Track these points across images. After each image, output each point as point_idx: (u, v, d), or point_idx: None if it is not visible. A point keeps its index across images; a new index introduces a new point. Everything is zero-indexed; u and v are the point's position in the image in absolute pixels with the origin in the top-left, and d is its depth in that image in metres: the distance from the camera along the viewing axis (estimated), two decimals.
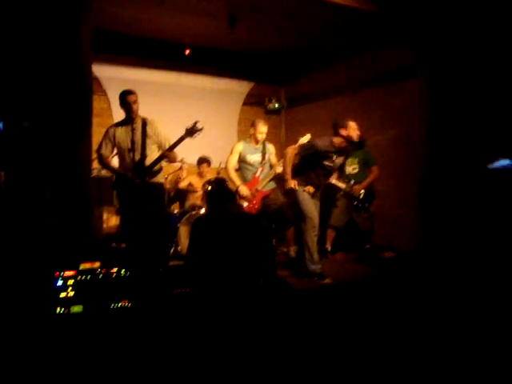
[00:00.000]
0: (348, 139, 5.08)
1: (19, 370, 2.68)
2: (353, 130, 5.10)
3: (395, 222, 6.94)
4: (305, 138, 5.62)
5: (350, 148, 5.34)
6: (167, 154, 4.71)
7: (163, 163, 4.93)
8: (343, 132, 5.08)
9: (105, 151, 4.83)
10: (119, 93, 4.85)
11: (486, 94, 5.76)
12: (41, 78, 3.78)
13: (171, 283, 3.36)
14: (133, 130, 4.74)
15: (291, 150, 5.22)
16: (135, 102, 4.74)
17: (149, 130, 4.78)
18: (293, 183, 5.03)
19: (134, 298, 3.24)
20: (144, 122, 4.78)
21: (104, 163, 4.92)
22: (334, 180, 6.06)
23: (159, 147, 4.85)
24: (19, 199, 3.76)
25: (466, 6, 5.70)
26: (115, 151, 4.95)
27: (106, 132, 4.85)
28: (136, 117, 4.78)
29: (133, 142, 4.72)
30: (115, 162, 5.17)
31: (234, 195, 3.75)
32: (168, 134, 4.89)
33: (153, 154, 4.78)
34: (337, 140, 5.11)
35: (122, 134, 4.78)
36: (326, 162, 5.14)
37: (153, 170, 4.76)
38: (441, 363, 2.68)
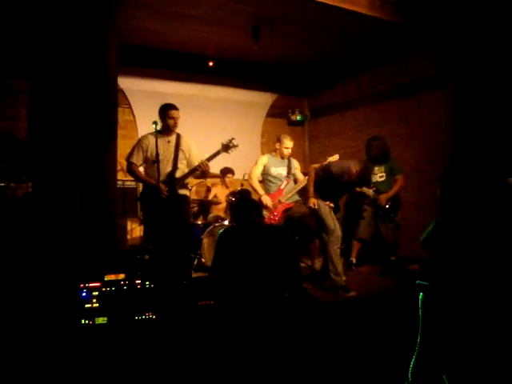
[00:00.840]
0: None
1: (45, 381, 2.69)
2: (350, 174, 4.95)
3: (420, 233, 6.83)
4: (333, 158, 5.54)
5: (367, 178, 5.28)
6: (202, 167, 4.78)
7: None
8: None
9: (135, 159, 4.88)
10: (161, 104, 4.94)
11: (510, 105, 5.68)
12: (68, 90, 3.84)
13: (196, 295, 3.34)
14: (168, 142, 4.86)
15: (313, 169, 5.24)
16: (178, 117, 4.87)
17: (183, 144, 4.91)
18: (312, 202, 5.05)
19: (159, 309, 3.23)
20: (178, 137, 4.91)
21: (133, 171, 4.94)
22: (361, 188, 5.96)
23: (188, 163, 4.95)
24: (46, 210, 3.80)
25: (491, 17, 5.64)
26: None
27: (139, 141, 4.92)
28: (174, 131, 4.91)
29: (166, 154, 4.82)
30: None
31: (259, 207, 3.73)
32: (199, 153, 5.00)
33: (182, 168, 4.90)
34: (357, 169, 4.96)
35: (159, 142, 4.73)
36: (339, 189, 5.16)
37: (183, 182, 4.88)
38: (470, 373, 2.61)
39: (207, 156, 4.90)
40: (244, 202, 3.72)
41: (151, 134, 4.86)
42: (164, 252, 4.56)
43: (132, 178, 6.93)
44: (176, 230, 4.78)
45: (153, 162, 4.73)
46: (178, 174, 4.88)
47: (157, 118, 5.04)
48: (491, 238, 2.30)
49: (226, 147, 4.99)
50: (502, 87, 5.70)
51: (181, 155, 4.91)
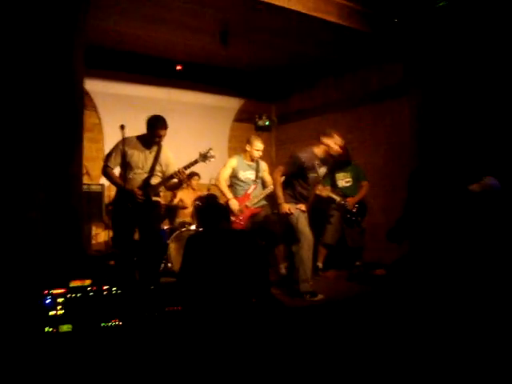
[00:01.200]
0: (328, 150, 5.08)
1: None
2: (334, 143, 5.08)
3: (385, 238, 6.92)
4: None
5: (331, 160, 5.32)
6: (178, 175, 4.79)
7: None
8: (325, 141, 5.07)
9: (112, 163, 4.82)
10: (150, 116, 4.90)
11: (474, 112, 5.83)
12: (33, 91, 3.75)
13: (163, 301, 3.30)
14: (149, 153, 4.89)
15: (277, 173, 5.14)
16: (163, 136, 4.88)
17: (162, 158, 4.94)
18: (287, 208, 4.98)
19: (126, 316, 3.17)
20: (159, 149, 4.94)
21: (108, 174, 4.88)
22: (327, 192, 5.99)
23: (163, 175, 4.97)
24: (7, 215, 3.70)
25: (456, 27, 5.78)
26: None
27: (117, 145, 4.82)
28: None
29: (144, 164, 4.85)
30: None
31: (227, 212, 3.71)
32: (175, 164, 5.01)
33: (157, 178, 4.93)
34: (318, 150, 5.09)
35: (136, 151, 4.83)
36: (311, 174, 5.11)
37: (158, 189, 4.92)
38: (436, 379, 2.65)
39: (183, 164, 4.88)
40: (211, 207, 3.69)
41: (131, 139, 4.83)
42: (131, 257, 4.53)
43: (97, 182, 6.88)
44: (147, 235, 4.81)
45: (129, 168, 4.77)
46: (153, 182, 4.88)
47: (123, 121, 4.95)
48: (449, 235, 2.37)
49: (204, 157, 5.00)
50: (465, 94, 5.84)
51: (157, 167, 4.93)
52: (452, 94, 6.00)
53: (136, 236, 4.94)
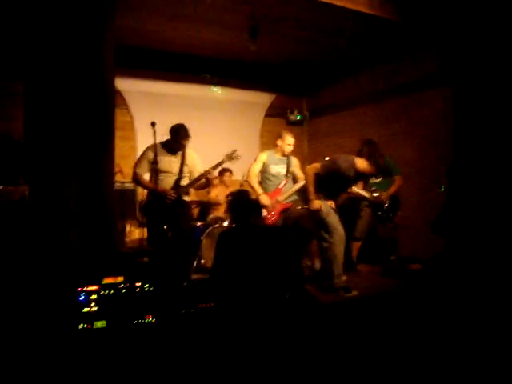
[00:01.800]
0: (368, 169, 4.99)
1: None
2: (368, 165, 4.99)
3: (421, 233, 6.81)
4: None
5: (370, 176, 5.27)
6: (207, 174, 5.09)
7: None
8: (366, 159, 5.00)
9: (141, 169, 5.08)
10: (174, 125, 5.10)
11: (510, 102, 5.65)
12: (64, 91, 3.79)
13: (196, 298, 3.29)
14: (175, 158, 5.13)
15: (311, 170, 5.09)
16: (187, 144, 5.11)
17: (188, 159, 5.17)
18: (318, 204, 4.95)
19: (158, 313, 3.18)
20: (184, 152, 5.16)
21: (138, 180, 5.15)
22: (357, 189, 5.91)
23: (190, 175, 5.22)
24: (43, 213, 3.75)
25: (491, 15, 5.61)
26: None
27: (144, 152, 5.10)
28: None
29: (171, 169, 5.10)
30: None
31: (259, 207, 3.68)
32: (200, 164, 5.28)
33: (186, 179, 5.18)
34: (360, 163, 4.99)
35: (162, 157, 5.05)
36: (345, 180, 5.08)
37: (188, 189, 5.15)
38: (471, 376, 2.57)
39: (210, 164, 5.15)
40: (242, 202, 3.67)
41: (156, 145, 5.00)
42: (165, 254, 4.64)
43: (130, 180, 6.95)
44: (178, 233, 5.00)
45: (158, 173, 5.00)
46: (184, 183, 5.13)
47: (155, 118, 5.00)
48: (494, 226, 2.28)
49: (230, 157, 5.28)
50: (501, 83, 5.67)
51: (185, 169, 5.17)
52: (487, 85, 5.83)
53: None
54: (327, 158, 5.37)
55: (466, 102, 6.06)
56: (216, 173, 6.19)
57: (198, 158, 5.32)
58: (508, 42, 5.57)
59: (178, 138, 5.04)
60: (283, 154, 5.73)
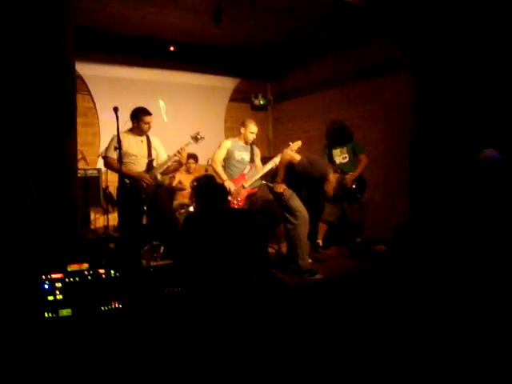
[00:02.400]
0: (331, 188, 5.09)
1: (7, 377, 2.61)
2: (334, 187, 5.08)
3: (385, 214, 6.93)
4: (296, 144, 5.54)
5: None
6: (181, 152, 5.19)
7: None
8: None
9: (111, 153, 5.11)
10: (134, 108, 5.27)
11: (473, 85, 5.78)
12: (23, 75, 3.69)
13: (162, 282, 3.29)
14: (141, 142, 5.27)
15: (289, 157, 5.11)
16: (151, 121, 5.26)
17: (154, 143, 5.35)
18: (282, 188, 5.00)
19: (125, 298, 3.17)
20: (148, 136, 5.34)
21: (111, 165, 5.19)
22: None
23: (157, 158, 5.38)
24: (3, 202, 3.67)
25: (454, 2, 5.71)
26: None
27: (113, 138, 5.11)
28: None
29: (140, 152, 5.23)
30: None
31: (224, 190, 3.68)
32: (164, 151, 5.46)
33: (155, 161, 5.33)
34: (331, 179, 5.03)
35: (130, 142, 5.20)
36: (310, 186, 5.20)
37: (161, 170, 5.31)
38: (434, 359, 2.64)
39: (175, 150, 5.24)
40: (208, 186, 3.67)
41: (123, 132, 5.12)
42: (137, 241, 4.70)
43: (94, 167, 6.86)
44: (161, 217, 5.29)
45: (127, 158, 5.13)
46: (156, 164, 5.31)
47: (117, 104, 4.93)
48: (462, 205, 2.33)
49: (195, 139, 5.39)
50: (464, 65, 5.78)
51: (153, 152, 5.31)
52: (451, 66, 5.94)
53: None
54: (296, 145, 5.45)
55: (428, 84, 6.16)
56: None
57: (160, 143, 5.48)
58: (470, 22, 5.68)
59: (140, 119, 5.17)
60: (246, 142, 5.75)
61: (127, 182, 5.13)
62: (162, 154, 5.41)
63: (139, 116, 5.20)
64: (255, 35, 7.49)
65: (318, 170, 4.99)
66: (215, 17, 6.19)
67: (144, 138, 5.30)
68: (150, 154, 5.28)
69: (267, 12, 6.46)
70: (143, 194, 5.10)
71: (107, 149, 5.20)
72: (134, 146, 5.21)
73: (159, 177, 5.39)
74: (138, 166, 5.21)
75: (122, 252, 3.80)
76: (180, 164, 5.43)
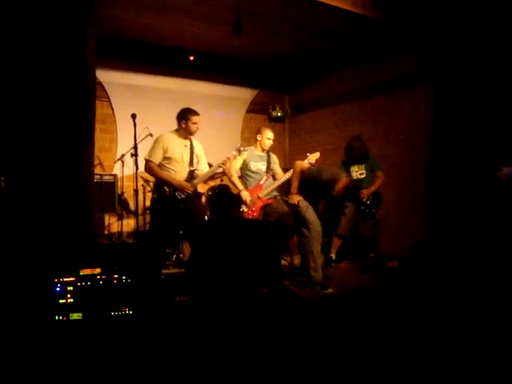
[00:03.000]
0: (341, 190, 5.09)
1: (17, 379, 2.61)
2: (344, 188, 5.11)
3: (400, 230, 6.88)
4: (313, 156, 5.53)
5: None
6: (225, 164, 5.15)
7: None
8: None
9: (156, 158, 5.03)
10: (182, 108, 5.20)
11: (492, 102, 5.73)
12: (44, 80, 3.74)
13: (174, 290, 3.29)
14: (185, 146, 5.17)
15: (300, 166, 5.14)
16: (198, 123, 5.15)
17: (196, 149, 5.28)
18: (297, 199, 5.01)
19: (136, 305, 3.17)
20: (191, 141, 5.26)
21: (153, 169, 5.07)
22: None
23: (197, 164, 5.31)
24: (19, 204, 3.71)
25: (474, 16, 5.68)
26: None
27: (158, 140, 5.07)
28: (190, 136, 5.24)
29: (183, 156, 5.14)
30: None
31: (238, 200, 3.69)
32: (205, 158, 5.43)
33: (197, 169, 5.26)
34: (342, 183, 5.07)
35: (176, 145, 5.11)
36: (320, 195, 5.19)
37: (203, 180, 5.31)
38: (446, 376, 2.60)
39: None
40: (221, 196, 3.66)
41: (169, 133, 5.12)
42: (162, 249, 4.70)
43: (110, 172, 6.90)
44: (195, 225, 5.04)
45: (171, 162, 5.05)
46: (197, 174, 5.21)
47: (136, 111, 4.98)
48: (482, 225, 2.29)
49: (239, 151, 5.36)
50: (482, 84, 5.75)
51: (195, 159, 5.23)
52: (468, 84, 5.90)
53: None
54: (311, 159, 5.43)
55: (447, 100, 6.12)
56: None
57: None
58: (488, 42, 5.65)
59: (188, 119, 5.08)
60: (263, 150, 5.72)
61: (167, 189, 5.05)
62: (203, 161, 5.34)
63: (187, 116, 5.11)
64: (274, 47, 7.51)
65: (326, 174, 4.99)
66: (235, 28, 6.22)
67: (188, 143, 5.22)
68: (191, 162, 5.19)
69: (287, 25, 6.48)
70: (181, 204, 5.04)
71: (150, 152, 5.09)
72: (178, 150, 5.11)
73: (199, 187, 5.30)
74: (179, 174, 5.13)
75: (137, 259, 3.81)
76: (223, 174, 5.44)
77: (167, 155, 5.03)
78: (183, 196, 5.03)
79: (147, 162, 5.07)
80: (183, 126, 5.12)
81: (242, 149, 5.35)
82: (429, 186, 2.45)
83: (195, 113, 5.14)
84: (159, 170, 5.05)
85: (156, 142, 5.07)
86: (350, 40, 7.08)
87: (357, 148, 6.25)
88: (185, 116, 5.11)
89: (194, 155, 5.22)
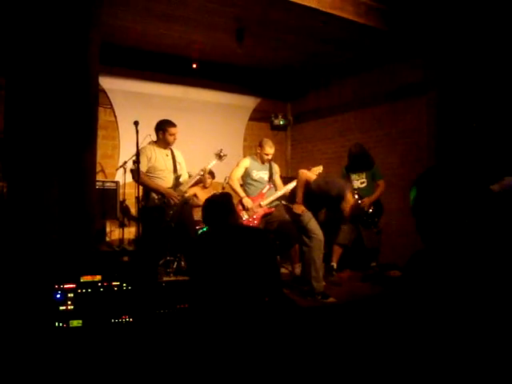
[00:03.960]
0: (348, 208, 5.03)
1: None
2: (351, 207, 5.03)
3: (401, 240, 6.86)
4: (317, 169, 5.50)
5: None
6: (204, 173, 5.36)
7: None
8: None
9: (143, 167, 5.12)
10: (159, 120, 5.33)
11: (494, 112, 5.74)
12: (47, 86, 3.75)
13: (174, 298, 3.28)
14: (166, 155, 5.32)
15: (305, 176, 5.12)
16: (176, 133, 5.29)
17: (177, 157, 5.40)
18: (301, 209, 5.00)
19: (136, 312, 3.16)
20: (172, 150, 5.39)
21: (144, 180, 5.14)
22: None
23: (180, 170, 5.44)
24: (21, 210, 3.71)
25: (476, 25, 5.70)
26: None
27: (142, 151, 5.14)
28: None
29: (167, 166, 5.27)
30: None
31: (233, 206, 3.59)
32: (183, 154, 5.57)
33: (182, 178, 5.38)
34: (348, 199, 4.96)
35: (158, 155, 5.25)
36: (327, 206, 5.20)
37: (187, 187, 5.37)
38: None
39: (193, 166, 5.52)
40: (214, 203, 3.53)
41: (150, 144, 5.29)
42: (152, 255, 4.72)
43: (112, 179, 6.90)
44: (186, 231, 5.28)
45: (155, 171, 5.20)
46: (182, 181, 5.34)
47: (139, 119, 4.98)
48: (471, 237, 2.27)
49: (219, 156, 5.45)
50: (484, 94, 5.76)
51: (178, 167, 5.38)
52: (471, 94, 5.91)
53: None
54: (315, 171, 5.39)
55: (449, 109, 6.13)
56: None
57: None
58: (491, 52, 5.66)
59: (166, 130, 5.20)
60: (263, 162, 5.75)
61: (156, 197, 5.16)
62: (184, 168, 5.47)
63: (164, 127, 5.24)
64: (277, 56, 7.55)
65: (334, 188, 4.94)
66: (238, 36, 6.25)
67: (169, 152, 5.35)
68: (175, 169, 5.32)
69: (289, 34, 6.51)
70: (170, 211, 5.14)
71: (139, 162, 5.09)
72: (160, 159, 5.25)
73: (186, 194, 5.41)
74: (166, 181, 5.26)
75: (136, 266, 3.81)
76: (200, 181, 5.61)
77: (150, 164, 5.18)
78: (172, 203, 5.15)
79: (133, 171, 5.19)
80: (160, 136, 5.28)
81: (222, 154, 5.43)
82: (420, 194, 2.42)
83: (172, 124, 5.27)
84: (146, 178, 5.18)
85: (140, 152, 5.13)
86: (352, 49, 7.11)
87: (359, 156, 6.24)
88: (162, 127, 5.25)
89: (177, 162, 5.36)
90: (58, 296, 3.05)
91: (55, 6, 3.74)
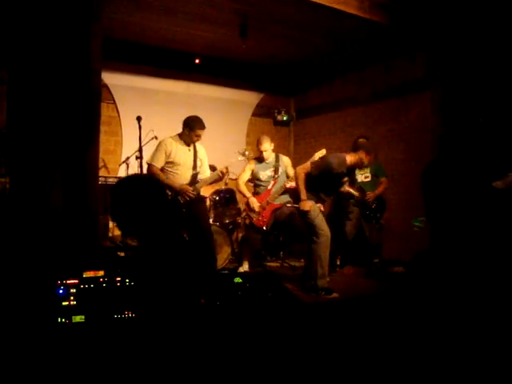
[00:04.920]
0: (359, 162, 5.01)
1: (19, 380, 2.60)
2: (366, 158, 5.01)
3: (405, 236, 6.84)
4: (320, 153, 5.51)
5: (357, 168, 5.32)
6: (224, 174, 5.22)
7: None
8: (361, 155, 4.99)
9: (158, 162, 5.05)
10: (190, 117, 5.17)
11: (500, 107, 5.71)
12: (49, 81, 3.74)
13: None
14: (188, 150, 5.20)
15: (303, 169, 5.09)
16: (201, 136, 5.17)
17: (200, 153, 5.29)
18: (308, 206, 4.96)
19: (139, 308, 3.15)
20: (195, 145, 5.27)
21: (155, 173, 5.05)
22: (347, 187, 5.89)
23: (201, 170, 5.34)
24: (24, 205, 3.71)
25: (480, 20, 5.66)
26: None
27: (160, 143, 5.10)
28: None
29: (186, 161, 5.16)
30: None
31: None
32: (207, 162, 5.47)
33: (200, 174, 5.29)
34: (351, 158, 5.00)
35: (179, 150, 5.12)
36: (336, 180, 5.11)
37: (205, 185, 5.30)
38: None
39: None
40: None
41: (172, 138, 5.13)
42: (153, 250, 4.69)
43: (115, 175, 6.89)
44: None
45: (174, 166, 5.08)
46: (200, 178, 5.23)
47: (142, 114, 4.98)
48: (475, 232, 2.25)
49: (243, 154, 5.57)
50: (488, 90, 5.73)
51: (198, 163, 5.25)
52: (476, 88, 5.87)
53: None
54: (317, 156, 5.41)
55: (453, 105, 6.09)
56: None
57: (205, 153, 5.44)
58: (495, 46, 5.63)
59: (193, 130, 5.07)
60: (264, 159, 5.82)
61: (168, 194, 5.00)
62: (206, 165, 5.37)
63: (194, 127, 5.10)
64: (280, 51, 7.52)
65: (332, 160, 4.98)
66: (241, 31, 6.23)
67: (191, 147, 5.23)
68: (195, 166, 5.21)
69: (293, 29, 6.49)
70: (183, 208, 5.04)
71: (153, 155, 5.11)
72: (181, 154, 5.13)
73: (201, 191, 5.30)
74: (183, 177, 5.14)
75: (140, 261, 3.79)
76: (220, 179, 5.44)
77: (170, 160, 5.05)
78: (186, 199, 5.02)
79: (149, 165, 5.09)
80: (186, 133, 5.13)
81: (246, 153, 5.46)
82: (425, 190, 2.40)
83: (202, 126, 5.12)
84: (161, 174, 5.06)
85: (159, 146, 5.09)
86: (355, 44, 7.09)
87: (359, 145, 6.21)
88: (191, 125, 5.10)
89: (198, 159, 5.23)
90: (61, 291, 3.03)
91: (57, 1, 3.72)
